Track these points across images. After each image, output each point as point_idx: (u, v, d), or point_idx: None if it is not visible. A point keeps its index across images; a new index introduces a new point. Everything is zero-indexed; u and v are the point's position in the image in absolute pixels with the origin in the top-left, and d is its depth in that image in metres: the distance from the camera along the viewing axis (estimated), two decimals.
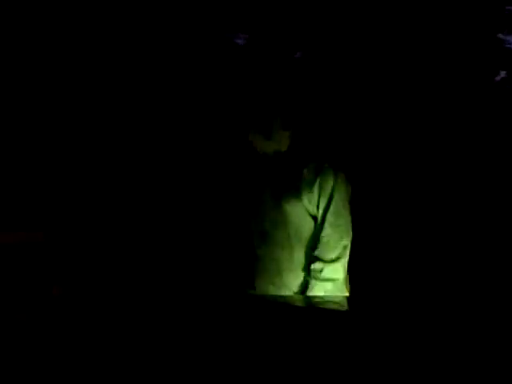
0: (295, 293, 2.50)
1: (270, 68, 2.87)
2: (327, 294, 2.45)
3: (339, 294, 2.47)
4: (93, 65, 2.94)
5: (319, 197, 2.45)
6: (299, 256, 2.47)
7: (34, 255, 2.73)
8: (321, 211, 2.45)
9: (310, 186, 2.45)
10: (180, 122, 2.97)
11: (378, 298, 2.71)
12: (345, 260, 2.46)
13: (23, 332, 2.52)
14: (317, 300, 2.41)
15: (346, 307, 2.39)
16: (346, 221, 2.47)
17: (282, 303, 2.34)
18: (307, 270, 2.47)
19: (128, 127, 2.95)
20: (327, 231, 2.44)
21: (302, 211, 2.45)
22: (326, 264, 2.43)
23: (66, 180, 2.93)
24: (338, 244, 2.44)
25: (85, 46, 2.93)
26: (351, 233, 2.48)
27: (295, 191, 2.45)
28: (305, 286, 2.47)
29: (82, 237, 2.85)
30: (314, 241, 2.46)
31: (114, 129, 2.96)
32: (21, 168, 2.91)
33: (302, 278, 2.50)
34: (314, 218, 2.47)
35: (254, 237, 2.49)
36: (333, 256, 2.44)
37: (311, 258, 2.45)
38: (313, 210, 2.46)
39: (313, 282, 2.44)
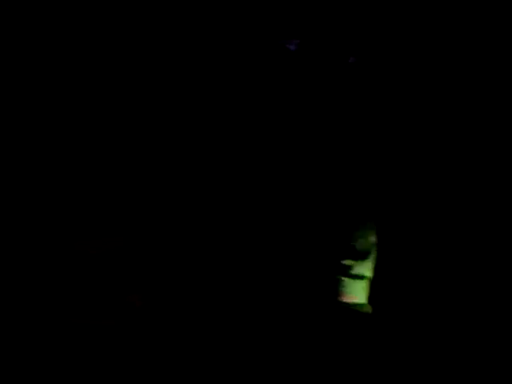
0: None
1: (323, 74, 2.91)
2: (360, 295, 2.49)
3: (367, 294, 2.49)
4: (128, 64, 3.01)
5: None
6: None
7: (114, 263, 2.81)
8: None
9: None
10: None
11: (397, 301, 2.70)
12: (374, 258, 2.48)
13: (106, 338, 2.64)
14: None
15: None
16: (372, 216, 2.51)
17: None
18: (336, 267, 2.50)
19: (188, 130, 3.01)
20: (356, 226, 2.48)
21: None
22: (357, 261, 2.46)
23: (141, 185, 2.98)
24: (367, 239, 2.47)
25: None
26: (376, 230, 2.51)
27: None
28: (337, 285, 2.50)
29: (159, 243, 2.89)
30: (345, 237, 2.50)
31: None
32: (96, 173, 2.98)
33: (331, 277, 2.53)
34: None
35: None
36: (364, 252, 2.47)
37: (342, 254, 2.48)
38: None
39: (346, 280, 2.47)
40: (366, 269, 2.49)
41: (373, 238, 2.50)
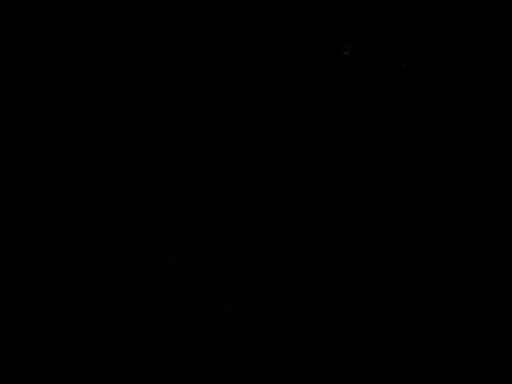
0: None
1: (378, 79, 2.87)
2: None
3: None
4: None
5: None
6: None
7: (199, 273, 2.80)
8: None
9: None
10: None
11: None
12: None
13: (195, 350, 2.64)
14: None
15: None
16: None
17: None
18: None
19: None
20: None
21: None
22: None
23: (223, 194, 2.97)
24: None
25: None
26: None
27: None
28: None
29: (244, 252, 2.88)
30: None
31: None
32: (178, 185, 2.97)
33: None
34: None
35: None
36: None
37: None
38: None
39: None
40: None
41: None
